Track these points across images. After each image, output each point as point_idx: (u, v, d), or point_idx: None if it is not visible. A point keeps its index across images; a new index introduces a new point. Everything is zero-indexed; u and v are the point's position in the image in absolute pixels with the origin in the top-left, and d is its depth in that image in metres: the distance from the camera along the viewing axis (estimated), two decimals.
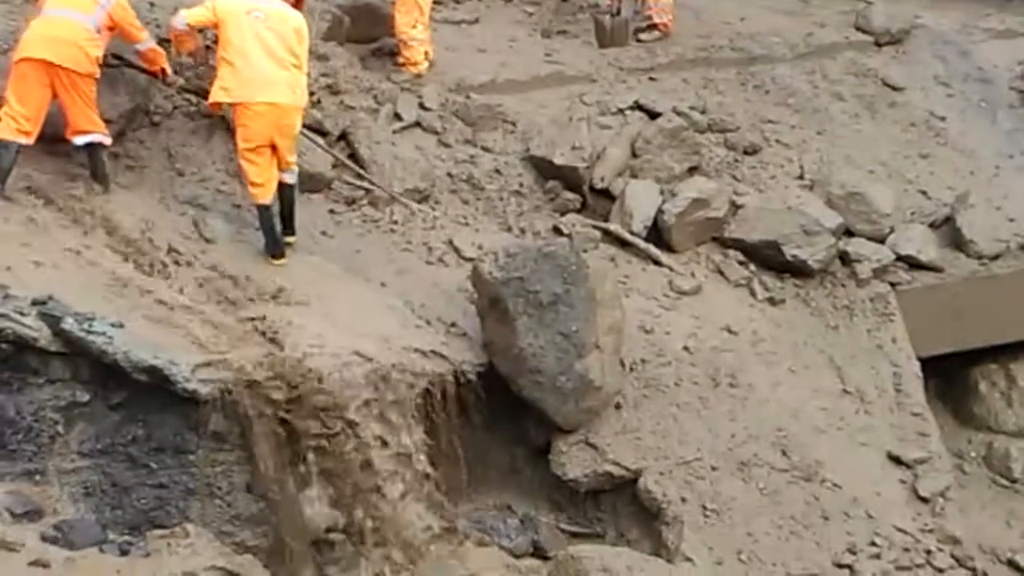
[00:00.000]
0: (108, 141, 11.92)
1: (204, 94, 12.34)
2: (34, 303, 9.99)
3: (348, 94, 13.69)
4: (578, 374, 11.49)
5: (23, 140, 11.41)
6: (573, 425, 11.61)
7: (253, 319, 11.07)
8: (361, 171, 13.18)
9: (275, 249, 11.98)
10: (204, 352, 10.44)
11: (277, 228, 12.01)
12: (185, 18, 12.15)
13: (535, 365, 11.42)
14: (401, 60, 14.56)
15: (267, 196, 11.88)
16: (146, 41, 12.18)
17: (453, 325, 11.85)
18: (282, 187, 12.02)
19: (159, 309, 10.81)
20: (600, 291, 11.69)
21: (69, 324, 9.96)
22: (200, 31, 12.47)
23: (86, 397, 10.14)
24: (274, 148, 11.84)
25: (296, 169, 12.15)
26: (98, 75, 11.72)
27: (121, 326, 10.15)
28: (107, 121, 12.01)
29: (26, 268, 10.45)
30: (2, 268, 10.30)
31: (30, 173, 11.79)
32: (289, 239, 12.18)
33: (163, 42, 12.57)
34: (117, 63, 12.34)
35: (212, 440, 10.45)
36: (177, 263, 11.36)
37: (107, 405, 10.22)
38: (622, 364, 11.92)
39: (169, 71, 12.37)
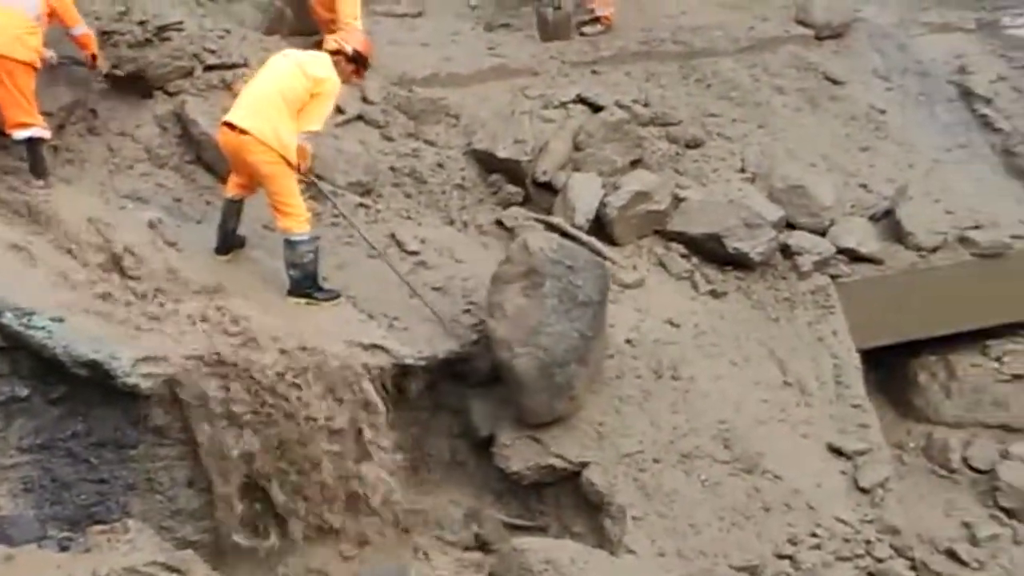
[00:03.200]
0: (47, 135, 11.82)
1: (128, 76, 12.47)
2: None
3: None
4: (570, 375, 11.56)
5: None
6: (532, 418, 11.65)
7: (195, 313, 11.02)
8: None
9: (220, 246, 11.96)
10: (145, 346, 10.39)
11: (228, 226, 11.92)
12: None
13: (546, 344, 11.48)
14: None
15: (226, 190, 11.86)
16: (81, 26, 12.11)
17: (395, 319, 11.84)
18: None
19: (100, 303, 10.77)
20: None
21: (8, 319, 9.92)
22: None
23: (25, 392, 10.10)
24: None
25: (291, 234, 11.72)
26: (38, 66, 11.63)
27: (61, 320, 10.11)
28: (46, 114, 11.94)
29: None
30: None
31: None
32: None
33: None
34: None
35: (153, 435, 10.44)
36: (117, 257, 11.28)
37: (47, 400, 10.17)
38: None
39: (100, 58, 12.31)
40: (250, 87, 11.68)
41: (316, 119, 11.53)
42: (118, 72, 12.61)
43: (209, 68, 13.25)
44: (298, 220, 11.62)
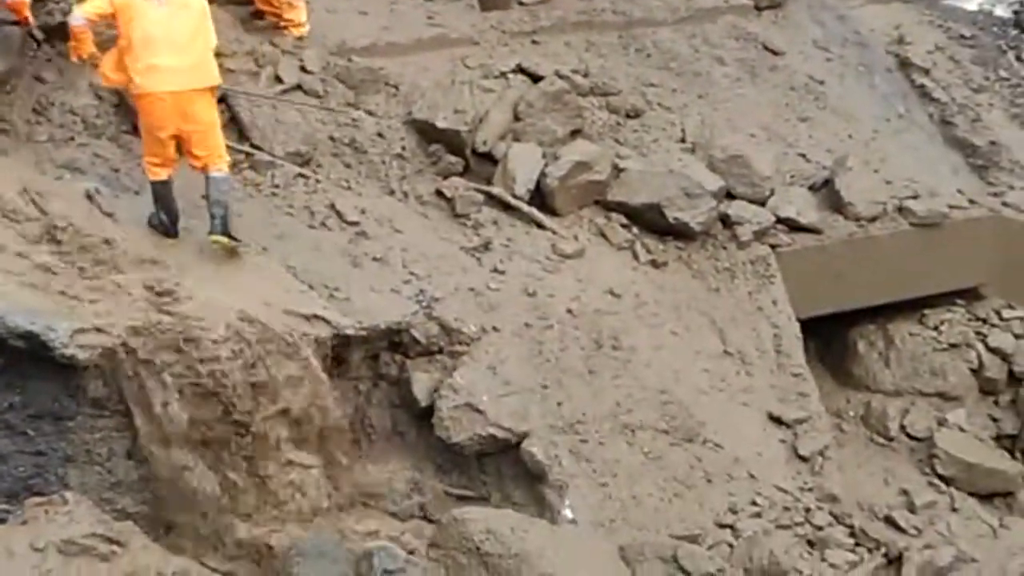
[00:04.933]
0: None
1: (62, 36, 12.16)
2: None
3: (228, 57, 13.46)
4: None
5: None
6: None
7: (132, 284, 10.92)
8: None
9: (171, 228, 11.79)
10: (82, 318, 10.29)
11: (173, 205, 11.74)
12: (80, 12, 11.62)
13: None
14: (284, 22, 14.36)
15: (163, 173, 11.64)
16: None
17: (336, 289, 11.78)
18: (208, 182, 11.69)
19: (36, 275, 10.66)
20: None
21: None
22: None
23: None
24: (180, 139, 11.54)
25: (225, 166, 11.75)
26: None
27: None
28: None
29: None
30: None
31: None
32: (221, 240, 11.65)
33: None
34: None
35: (91, 406, 10.34)
36: (54, 228, 11.15)
37: None
38: None
39: (32, 19, 12.00)
40: (169, 40, 11.33)
41: None
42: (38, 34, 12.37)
43: None
44: (226, 157, 11.81)
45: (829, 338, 14.53)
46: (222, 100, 13.10)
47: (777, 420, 12.67)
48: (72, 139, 12.45)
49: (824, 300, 14.04)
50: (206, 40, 11.61)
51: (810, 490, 12.17)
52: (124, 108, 12.37)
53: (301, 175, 12.91)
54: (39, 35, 12.39)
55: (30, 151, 12.20)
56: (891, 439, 13.79)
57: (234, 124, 13.15)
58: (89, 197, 11.78)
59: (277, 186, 12.71)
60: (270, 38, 14.16)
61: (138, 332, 10.43)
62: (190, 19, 11.51)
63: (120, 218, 11.74)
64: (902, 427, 13.86)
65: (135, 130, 12.23)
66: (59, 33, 12.54)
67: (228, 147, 12.37)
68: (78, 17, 11.67)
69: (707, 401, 12.54)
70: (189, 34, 11.46)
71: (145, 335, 10.44)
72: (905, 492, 13.07)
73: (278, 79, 13.65)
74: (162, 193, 11.68)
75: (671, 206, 13.45)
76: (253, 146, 13.01)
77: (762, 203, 14.01)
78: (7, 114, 12.29)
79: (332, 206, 12.72)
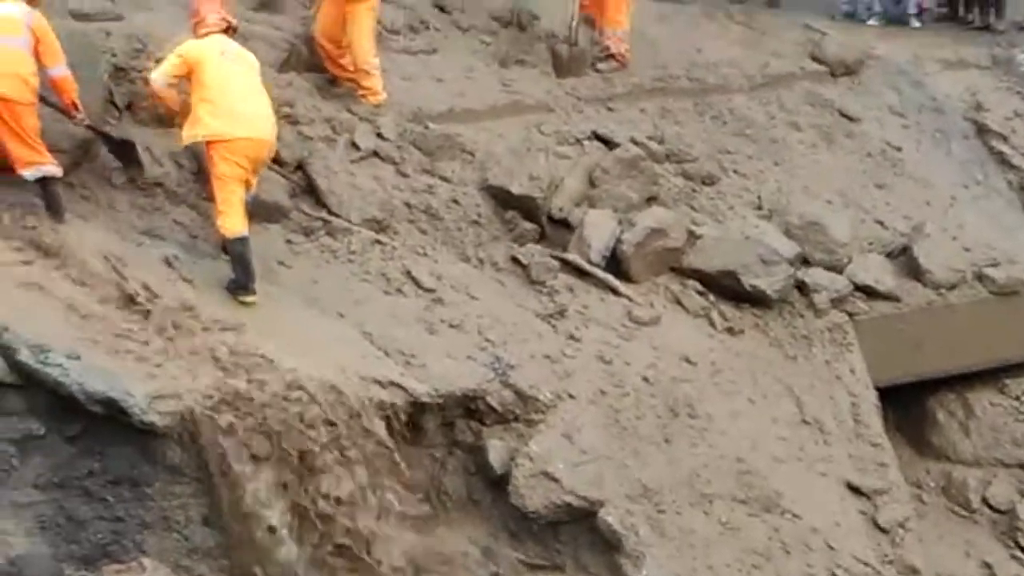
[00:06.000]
0: (59, 172, 11.70)
1: (108, 138, 12.38)
2: None
3: (306, 124, 13.60)
4: None
5: None
6: None
7: (211, 349, 10.95)
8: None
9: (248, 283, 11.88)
10: (161, 383, 10.33)
11: (251, 263, 11.85)
12: (160, 76, 12.05)
13: None
14: (361, 91, 14.46)
15: (242, 228, 11.79)
16: (62, 66, 11.68)
17: (412, 356, 11.77)
18: None
19: (115, 340, 10.70)
20: None
21: (25, 355, 9.85)
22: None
23: (42, 430, 10.01)
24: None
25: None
26: (36, 103, 11.53)
27: (77, 358, 10.05)
28: (61, 151, 11.86)
29: None
30: None
31: None
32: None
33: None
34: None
35: (169, 472, 10.34)
36: (134, 293, 11.21)
37: (63, 437, 10.09)
38: None
39: (80, 106, 11.96)
40: (241, 94, 11.79)
41: None
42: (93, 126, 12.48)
43: None
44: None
45: (908, 407, 14.38)
46: (299, 167, 13.22)
47: (856, 490, 12.54)
48: (151, 205, 12.53)
49: (902, 368, 13.92)
50: (267, 95, 12.03)
51: (890, 562, 12.02)
52: (202, 176, 12.45)
53: (378, 242, 12.94)
54: (121, 103, 12.51)
55: (111, 217, 12.28)
56: (972, 511, 13.62)
57: (311, 191, 13.22)
58: (168, 263, 11.86)
59: (354, 252, 12.74)
60: (347, 105, 14.24)
61: (215, 398, 10.44)
62: (254, 73, 12.06)
63: (198, 283, 11.78)
64: (984, 499, 13.68)
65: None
66: (138, 102, 12.72)
67: (305, 214, 12.49)
68: (158, 80, 12.05)
69: (784, 470, 12.42)
70: (258, 87, 11.99)
71: (222, 401, 10.45)
72: (987, 565, 12.92)
73: (354, 146, 13.71)
74: (240, 251, 11.78)
75: (747, 273, 13.40)
76: (331, 213, 13.05)
77: (839, 270, 13.93)
78: (89, 182, 12.40)
79: (408, 272, 12.74)
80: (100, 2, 14.80)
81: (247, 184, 11.87)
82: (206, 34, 11.98)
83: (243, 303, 11.72)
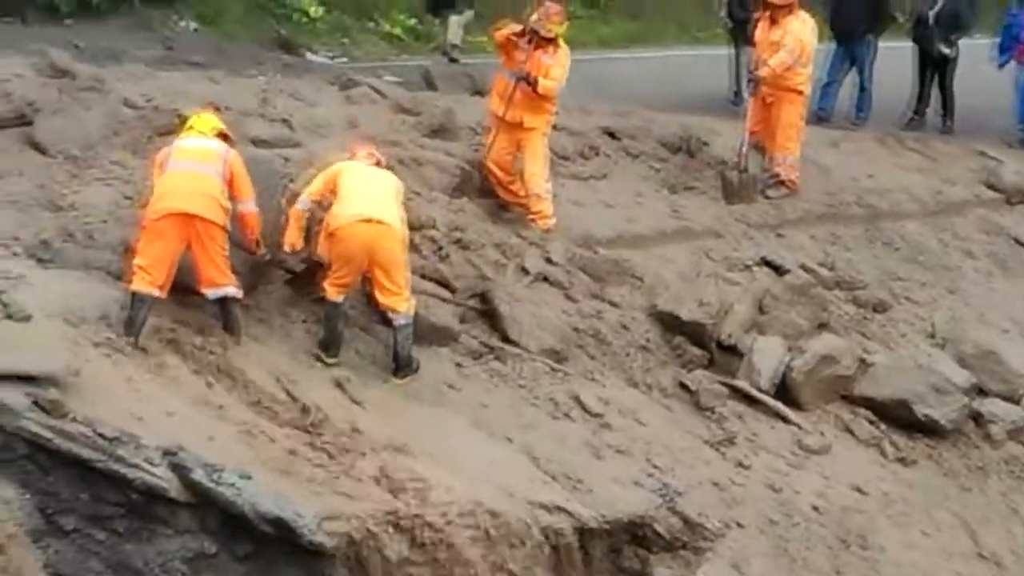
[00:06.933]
0: (240, 294, 12.02)
1: (289, 271, 12.77)
2: (165, 453, 10.02)
3: (476, 248, 13.76)
4: None
5: (156, 293, 11.52)
6: None
7: (379, 470, 11.03)
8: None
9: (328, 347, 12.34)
10: (329, 504, 10.42)
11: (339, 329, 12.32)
12: (306, 195, 12.48)
13: None
14: (532, 215, 14.63)
15: (336, 296, 12.24)
16: (250, 203, 12.08)
17: (579, 480, 11.74)
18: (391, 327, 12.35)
19: (286, 460, 10.82)
20: None
21: (198, 475, 9.99)
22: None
23: (213, 548, 10.10)
24: (368, 276, 12.23)
25: (405, 309, 12.24)
26: (228, 228, 11.87)
27: (249, 477, 10.16)
28: (236, 273, 12.15)
29: (158, 418, 10.51)
30: (135, 418, 10.37)
31: (163, 324, 11.94)
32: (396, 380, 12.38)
33: None
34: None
35: None
36: (306, 414, 11.37)
37: (234, 557, 10.17)
38: None
39: (262, 243, 12.33)
40: (366, 190, 12.18)
41: None
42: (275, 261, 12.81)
43: None
44: (411, 302, 12.31)
45: None
46: (483, 296, 13.33)
47: None
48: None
49: None
50: (398, 204, 12.32)
51: None
52: (372, 300, 12.64)
53: (551, 368, 12.96)
54: (263, 254, 12.74)
55: (284, 339, 12.50)
56: None
57: (491, 317, 13.37)
58: (339, 385, 12.03)
59: (522, 376, 12.79)
60: (517, 230, 14.41)
61: (381, 520, 10.48)
62: (388, 183, 12.45)
63: (368, 405, 11.91)
64: None
65: (384, 320, 12.49)
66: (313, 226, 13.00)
67: (483, 343, 12.60)
68: (304, 201, 12.44)
69: None
70: (387, 192, 12.30)
71: (388, 523, 10.48)
72: None
73: (524, 270, 13.81)
74: (332, 315, 12.25)
75: (920, 402, 13.21)
76: (508, 340, 13.11)
77: (1016, 401, 13.68)
78: (264, 303, 12.65)
79: (576, 397, 12.74)
80: (279, 129, 15.27)
81: (374, 280, 12.18)
82: None
83: (324, 363, 12.18)
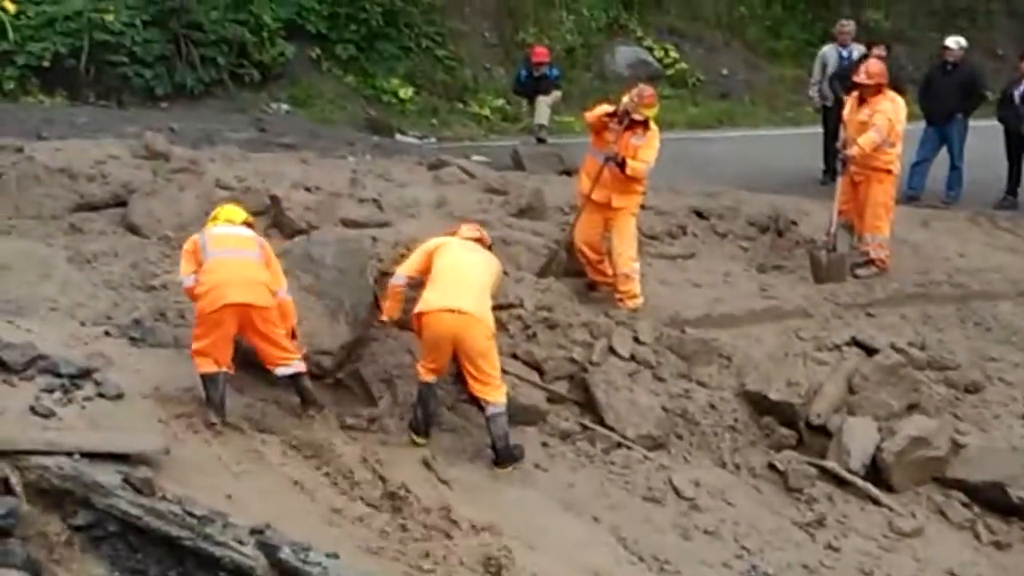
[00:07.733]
0: (303, 367, 12.11)
1: (318, 376, 12.67)
2: (252, 532, 10.07)
3: (564, 328, 13.76)
4: None
5: (224, 370, 11.69)
6: None
7: (466, 550, 11.01)
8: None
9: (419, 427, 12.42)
10: None
11: (431, 408, 12.38)
12: (401, 270, 12.71)
13: None
14: (619, 295, 14.64)
15: (427, 377, 12.30)
16: (283, 290, 12.15)
17: (667, 562, 11.66)
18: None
19: (373, 539, 10.85)
20: None
21: (286, 554, 10.02)
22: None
23: None
24: (462, 367, 12.25)
25: (498, 398, 12.25)
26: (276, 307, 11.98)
27: (336, 556, 10.19)
28: (326, 352, 12.24)
29: (246, 497, 10.60)
30: (223, 496, 10.47)
31: (250, 402, 12.07)
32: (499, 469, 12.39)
33: None
34: None
35: None
36: (392, 494, 11.40)
37: None
38: None
39: (297, 334, 12.29)
40: (457, 275, 12.22)
41: None
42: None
43: None
44: (503, 390, 12.28)
45: None
46: (576, 380, 13.34)
47: None
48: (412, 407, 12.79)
49: None
50: (489, 288, 12.40)
51: None
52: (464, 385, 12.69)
53: (646, 458, 12.90)
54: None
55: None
56: None
57: (588, 402, 13.36)
58: (426, 464, 12.06)
59: (610, 456, 12.75)
60: (605, 309, 14.41)
61: None
62: (483, 267, 12.49)
63: (455, 485, 11.93)
64: None
65: (472, 400, 12.51)
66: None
67: (584, 426, 12.60)
68: (400, 276, 12.69)
69: None
70: (480, 276, 12.36)
71: None
72: None
73: (612, 350, 13.79)
74: (425, 395, 12.31)
75: (1015, 485, 12.99)
76: (605, 426, 13.09)
77: None
78: (350, 381, 12.75)
79: (669, 480, 12.67)
80: (369, 209, 15.44)
81: (463, 368, 12.23)
82: None
83: (415, 444, 12.27)
